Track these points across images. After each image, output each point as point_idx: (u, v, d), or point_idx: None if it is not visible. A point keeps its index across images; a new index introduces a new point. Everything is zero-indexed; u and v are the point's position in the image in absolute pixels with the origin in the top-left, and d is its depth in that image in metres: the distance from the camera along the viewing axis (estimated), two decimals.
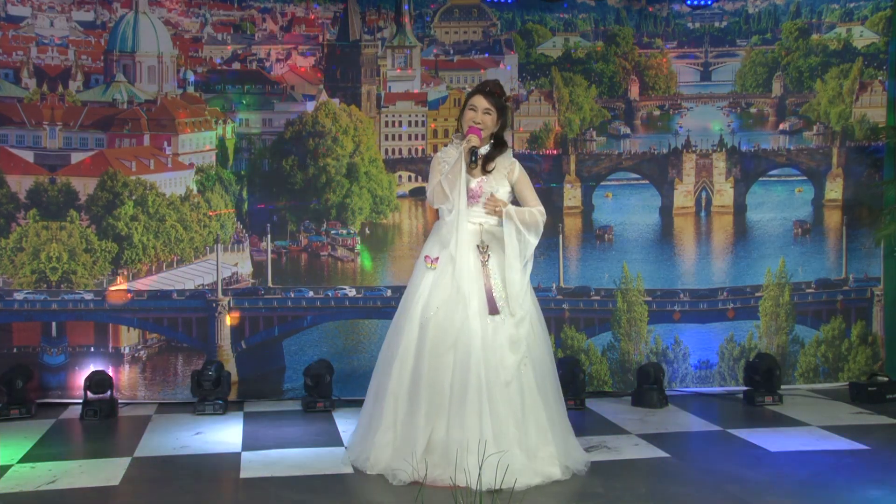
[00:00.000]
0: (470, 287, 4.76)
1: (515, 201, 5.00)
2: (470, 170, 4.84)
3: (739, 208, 7.23)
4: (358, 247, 7.08)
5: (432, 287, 4.82)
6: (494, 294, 4.79)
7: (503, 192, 4.92)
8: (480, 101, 4.90)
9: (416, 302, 4.84)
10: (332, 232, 7.09)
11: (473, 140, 4.80)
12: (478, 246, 4.84)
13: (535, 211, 4.91)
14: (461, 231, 4.82)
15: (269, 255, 7.02)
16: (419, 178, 7.15)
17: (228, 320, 6.92)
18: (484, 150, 4.91)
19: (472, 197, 4.87)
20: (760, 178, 7.26)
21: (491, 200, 4.84)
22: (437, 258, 4.87)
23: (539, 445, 4.75)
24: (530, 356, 4.82)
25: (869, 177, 7.26)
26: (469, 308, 4.74)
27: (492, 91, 4.93)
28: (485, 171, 4.90)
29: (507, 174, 4.95)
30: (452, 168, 4.82)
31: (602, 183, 7.21)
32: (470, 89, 5.18)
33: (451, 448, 4.58)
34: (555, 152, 7.15)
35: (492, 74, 7.03)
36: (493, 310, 4.77)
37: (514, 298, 4.82)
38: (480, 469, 4.42)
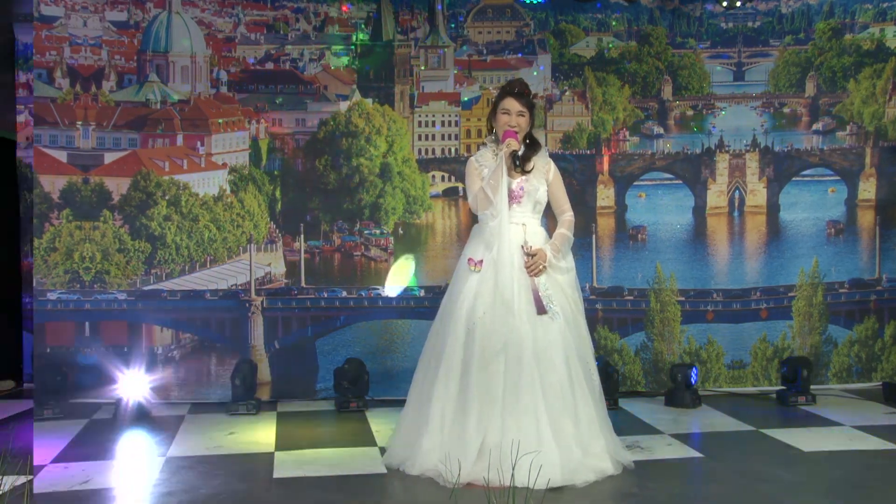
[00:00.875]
0: (516, 288, 4.76)
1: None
2: (511, 172, 4.85)
3: (773, 208, 7.22)
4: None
5: (477, 291, 4.80)
6: (540, 293, 4.80)
7: (542, 192, 4.96)
8: (513, 104, 4.92)
9: (461, 306, 4.82)
10: (366, 232, 7.09)
11: (514, 144, 4.83)
12: (521, 246, 4.84)
13: (564, 230, 4.99)
14: (504, 235, 4.81)
15: (303, 255, 7.02)
16: (452, 178, 7.15)
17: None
18: (520, 151, 4.92)
19: (513, 198, 4.89)
20: (793, 178, 7.26)
21: (532, 264, 4.81)
22: (481, 261, 4.85)
23: (591, 441, 4.78)
24: (575, 350, 4.84)
25: None
26: (516, 310, 4.73)
27: (521, 92, 4.96)
28: (524, 172, 4.91)
29: (545, 174, 4.99)
30: (494, 173, 4.83)
31: (635, 183, 7.21)
32: (496, 90, 5.17)
33: (506, 450, 4.54)
34: (590, 152, 7.16)
35: (524, 74, 7.03)
36: (541, 309, 4.77)
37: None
38: (529, 468, 4.40)
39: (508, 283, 4.75)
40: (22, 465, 4.52)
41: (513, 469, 4.44)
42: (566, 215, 5.04)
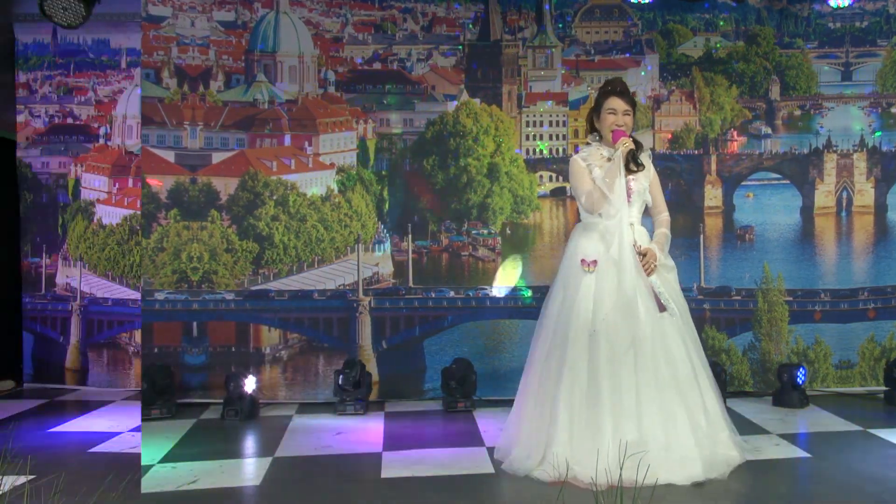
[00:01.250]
0: (637, 288, 4.75)
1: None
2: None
3: (880, 208, 7.19)
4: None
5: (596, 292, 4.77)
6: (656, 291, 4.80)
7: (648, 192, 4.98)
8: (619, 104, 4.92)
9: (579, 309, 4.76)
10: (473, 232, 7.08)
11: (629, 143, 4.85)
12: (632, 245, 4.84)
13: (665, 229, 5.02)
14: (625, 233, 4.80)
15: (410, 255, 7.01)
16: (560, 178, 7.14)
17: None
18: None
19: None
20: None
21: (646, 263, 4.82)
22: (595, 261, 4.82)
23: (718, 432, 4.80)
24: (694, 343, 4.86)
25: None
26: (640, 309, 4.72)
27: (623, 91, 4.97)
28: (631, 171, 4.91)
29: (647, 174, 5.00)
30: (609, 172, 4.83)
31: (743, 183, 7.20)
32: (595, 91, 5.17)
33: (649, 448, 4.52)
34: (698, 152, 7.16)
35: (632, 74, 7.03)
36: (661, 307, 4.78)
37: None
38: (671, 465, 4.46)
39: (631, 283, 4.74)
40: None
41: (659, 468, 4.43)
42: (664, 215, 5.06)
